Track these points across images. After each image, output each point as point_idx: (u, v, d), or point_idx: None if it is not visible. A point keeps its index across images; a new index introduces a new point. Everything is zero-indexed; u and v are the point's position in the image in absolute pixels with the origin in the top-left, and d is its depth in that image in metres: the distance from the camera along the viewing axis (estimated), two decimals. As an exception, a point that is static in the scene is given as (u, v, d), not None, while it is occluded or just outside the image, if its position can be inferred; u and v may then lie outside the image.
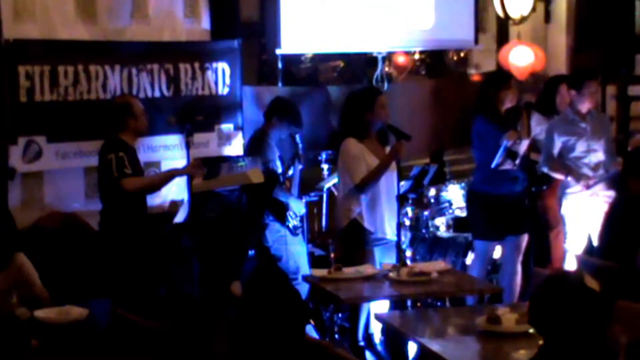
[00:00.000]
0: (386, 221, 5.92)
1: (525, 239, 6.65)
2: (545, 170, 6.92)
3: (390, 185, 5.91)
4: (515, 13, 8.52)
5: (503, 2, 8.46)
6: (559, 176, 6.87)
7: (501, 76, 6.97)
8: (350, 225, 5.90)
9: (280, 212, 6.88)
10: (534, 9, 8.57)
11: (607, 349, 2.79)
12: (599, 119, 6.99)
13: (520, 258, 6.63)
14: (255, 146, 6.94)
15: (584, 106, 6.74)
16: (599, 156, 6.79)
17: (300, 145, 7.14)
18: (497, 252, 6.80)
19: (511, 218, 6.54)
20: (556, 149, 6.80)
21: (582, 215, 6.72)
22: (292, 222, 6.94)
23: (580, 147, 6.77)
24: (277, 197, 6.82)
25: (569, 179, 6.77)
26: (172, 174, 6.31)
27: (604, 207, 6.33)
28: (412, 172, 6.71)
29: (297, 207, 6.92)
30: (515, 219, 6.56)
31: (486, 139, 6.47)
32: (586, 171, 6.76)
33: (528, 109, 6.72)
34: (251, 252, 6.99)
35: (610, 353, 2.80)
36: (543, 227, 7.19)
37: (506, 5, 8.50)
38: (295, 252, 6.96)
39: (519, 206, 6.61)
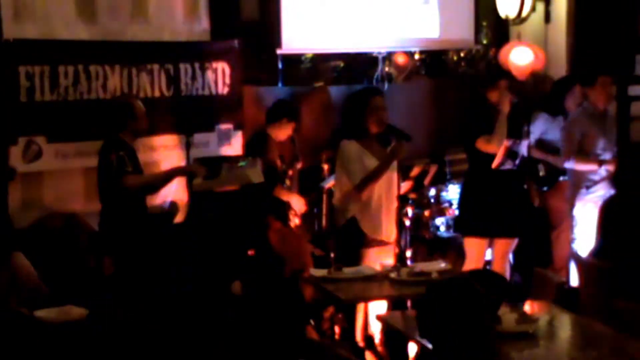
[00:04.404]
0: (383, 222, 5.91)
1: (514, 243, 6.41)
2: (569, 164, 6.82)
3: (389, 185, 5.90)
4: (513, 13, 8.51)
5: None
6: (589, 167, 6.77)
7: (491, 75, 6.82)
8: (346, 225, 5.88)
9: (282, 211, 6.88)
10: (533, 9, 8.56)
11: (492, 347, 2.84)
12: (612, 120, 7.02)
13: (507, 260, 6.47)
14: (256, 146, 6.95)
15: (600, 102, 6.78)
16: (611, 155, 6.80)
17: (295, 145, 7.14)
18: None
19: (501, 218, 6.30)
20: (577, 143, 6.76)
21: (595, 215, 6.65)
22: (294, 221, 6.94)
23: (600, 144, 6.76)
24: (279, 196, 6.83)
25: (603, 167, 6.70)
26: (173, 173, 6.32)
27: None
28: (412, 172, 6.69)
29: (298, 206, 6.93)
30: (505, 220, 6.31)
31: None
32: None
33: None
34: (251, 252, 6.99)
35: (494, 351, 2.85)
36: (545, 227, 7.17)
37: (506, 6, 8.50)
38: (295, 253, 6.95)
39: (510, 206, 6.32)
